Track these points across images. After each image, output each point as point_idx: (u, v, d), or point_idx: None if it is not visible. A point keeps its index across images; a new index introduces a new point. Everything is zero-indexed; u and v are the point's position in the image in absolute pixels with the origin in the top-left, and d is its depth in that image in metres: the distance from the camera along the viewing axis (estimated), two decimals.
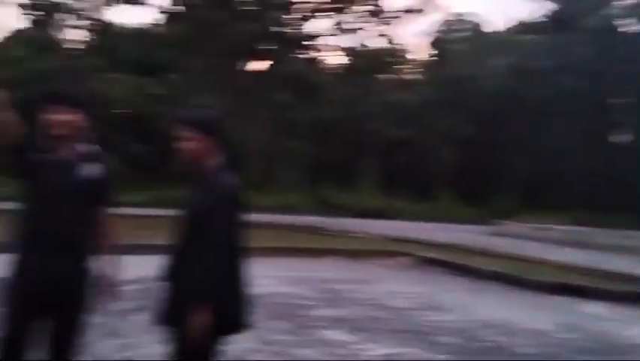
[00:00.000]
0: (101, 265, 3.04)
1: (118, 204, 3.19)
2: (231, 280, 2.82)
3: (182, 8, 21.41)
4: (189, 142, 2.83)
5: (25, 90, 32.37)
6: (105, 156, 3.13)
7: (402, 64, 39.30)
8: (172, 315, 2.84)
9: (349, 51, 23.90)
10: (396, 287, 9.30)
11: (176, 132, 2.86)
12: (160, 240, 11.95)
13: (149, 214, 16.63)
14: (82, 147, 2.99)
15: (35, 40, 33.58)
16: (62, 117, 2.87)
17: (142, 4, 21.19)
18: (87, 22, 23.42)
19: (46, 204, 2.86)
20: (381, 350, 5.49)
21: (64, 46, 23.92)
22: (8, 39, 35.42)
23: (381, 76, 35.83)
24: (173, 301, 2.86)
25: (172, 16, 22.26)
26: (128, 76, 33.48)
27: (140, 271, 8.54)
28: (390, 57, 33.02)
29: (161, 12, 22.12)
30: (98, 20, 23.41)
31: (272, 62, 23.79)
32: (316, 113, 27.69)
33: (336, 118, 33.06)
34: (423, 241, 15.38)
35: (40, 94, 2.95)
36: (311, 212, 30.62)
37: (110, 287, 3.06)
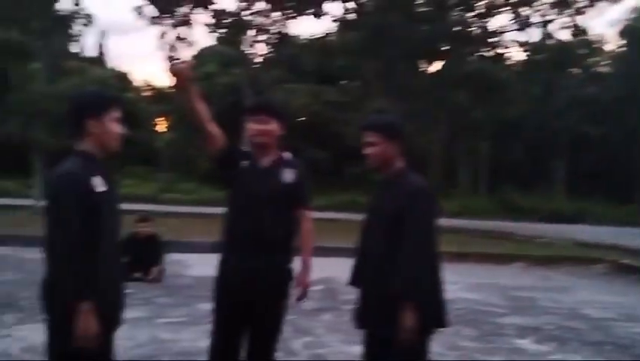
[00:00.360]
0: (296, 266, 3.14)
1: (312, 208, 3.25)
2: (434, 280, 2.82)
3: (355, 15, 21.73)
4: (375, 147, 2.89)
5: (215, 104, 35.11)
6: (299, 161, 3.29)
7: (591, 56, 36.38)
8: (369, 317, 2.87)
9: (533, 45, 22.58)
10: (591, 296, 8.56)
11: (363, 138, 2.93)
12: (341, 242, 12.35)
13: (329, 218, 17.13)
14: (279, 154, 3.18)
15: (222, 56, 36.27)
16: (263, 127, 3.07)
17: (320, 15, 21.86)
18: (268, 36, 24.68)
19: (248, 208, 3.02)
20: None
21: (249, 59, 25.46)
22: (198, 56, 38.68)
23: (569, 70, 33.41)
24: (369, 304, 2.88)
25: (345, 24, 22.70)
26: (307, 85, 34.94)
27: (324, 272, 8.85)
28: (578, 50, 30.78)
29: (335, 21, 22.63)
30: (279, 33, 24.58)
31: (449, 62, 23.24)
32: (497, 112, 26.57)
33: (519, 117, 31.48)
34: (619, 247, 14.07)
35: (245, 106, 3.17)
36: (494, 216, 29.54)
37: (303, 287, 3.16)
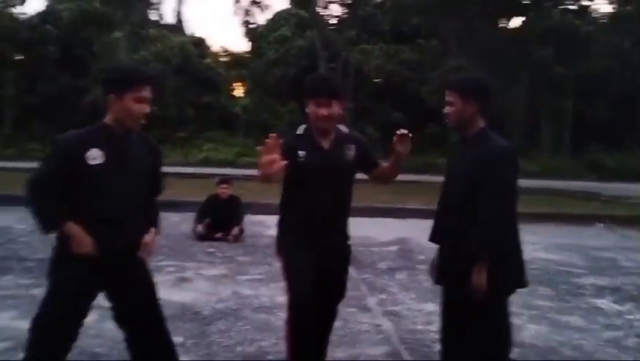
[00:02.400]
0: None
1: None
2: (512, 242, 2.82)
3: None
4: (452, 106, 2.87)
5: (290, 67, 35.18)
6: (355, 133, 3.37)
7: None
8: (447, 276, 2.92)
9: None
10: None
11: (445, 98, 2.91)
12: (418, 204, 12.34)
13: (406, 180, 17.03)
14: (338, 130, 3.21)
15: (296, 19, 36.23)
16: (327, 111, 3.07)
17: None
18: None
19: (313, 185, 3.11)
20: None
21: (323, 21, 25.36)
22: (273, 20, 38.82)
23: None
24: (447, 263, 2.92)
25: None
26: (382, 45, 34.45)
27: (400, 233, 8.96)
28: None
29: None
30: None
31: (530, 17, 22.30)
32: (582, 68, 25.36)
33: (605, 72, 29.90)
34: None
35: (306, 89, 3.16)
36: (579, 176, 28.50)
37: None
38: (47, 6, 36.83)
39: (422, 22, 26.00)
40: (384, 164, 3.29)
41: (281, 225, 3.31)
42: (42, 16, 34.80)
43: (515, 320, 4.56)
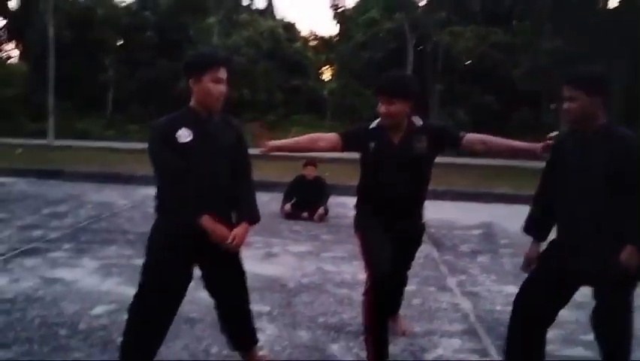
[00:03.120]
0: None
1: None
2: None
3: None
4: (575, 102, 2.81)
5: (378, 50, 34.96)
6: (429, 123, 3.50)
7: None
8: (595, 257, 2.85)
9: None
10: None
11: (563, 93, 2.86)
12: (505, 189, 12.19)
13: (495, 164, 16.82)
14: (410, 123, 3.36)
15: (385, 1, 35.93)
16: (388, 108, 3.26)
17: None
18: None
19: (385, 177, 3.36)
20: None
21: (412, 3, 25.09)
22: (361, 3, 38.71)
23: None
24: (587, 258, 2.85)
25: None
26: (473, 26, 33.65)
27: (484, 217, 8.95)
28: None
29: None
30: None
31: None
32: None
33: None
34: None
35: (376, 86, 3.36)
36: None
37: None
38: None
39: (514, 2, 25.13)
40: (498, 140, 3.39)
41: (358, 207, 3.58)
42: (141, 3, 36.45)
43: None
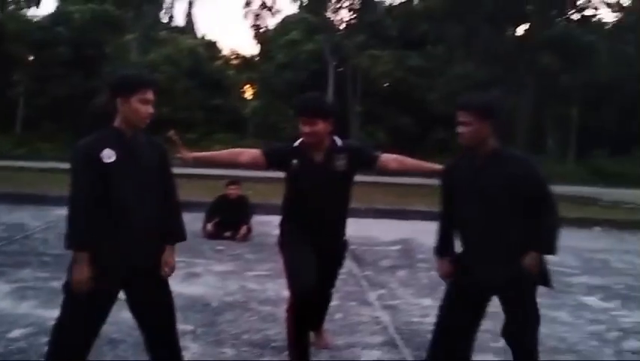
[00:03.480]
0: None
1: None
2: None
3: None
4: (468, 127, 2.98)
5: (299, 71, 35.45)
6: (348, 142, 3.71)
7: None
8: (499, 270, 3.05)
9: (622, 7, 21.63)
10: None
11: (457, 117, 3.04)
12: (421, 206, 12.59)
13: (412, 183, 17.32)
14: (331, 143, 3.52)
15: (306, 23, 36.54)
16: (310, 128, 3.41)
17: None
18: (351, 2, 24.81)
19: (309, 200, 3.52)
20: (636, 318, 5.21)
21: (332, 26, 25.69)
22: (282, 24, 39.19)
23: None
24: (498, 267, 3.04)
25: None
26: (391, 51, 34.76)
27: (402, 233, 9.26)
28: None
29: None
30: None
31: (534, 25, 22.59)
32: (586, 76, 25.59)
33: (611, 80, 30.09)
34: None
35: (296, 106, 3.58)
36: (583, 182, 28.69)
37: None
38: (58, 7, 37.37)
39: (429, 28, 26.24)
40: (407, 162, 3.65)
41: (282, 224, 3.69)
42: (54, 18, 35.34)
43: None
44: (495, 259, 3.05)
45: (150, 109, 2.94)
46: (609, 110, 33.65)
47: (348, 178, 3.59)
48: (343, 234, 3.73)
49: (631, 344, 4.51)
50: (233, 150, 3.64)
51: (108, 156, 2.83)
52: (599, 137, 33.81)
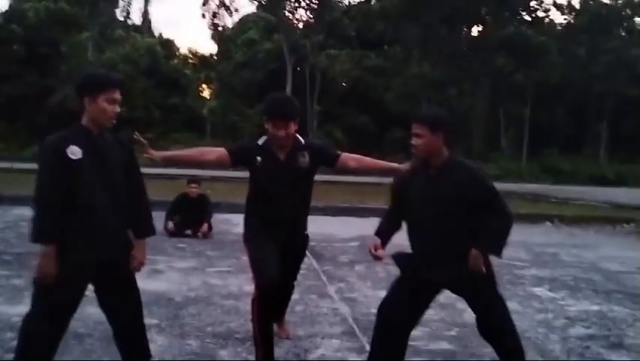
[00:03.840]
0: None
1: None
2: None
3: None
4: (421, 138, 3.18)
5: (257, 70, 35.42)
6: (309, 141, 3.86)
7: (635, 17, 35.35)
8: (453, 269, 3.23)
9: (573, 9, 22.41)
10: (613, 252, 8.95)
11: (412, 129, 3.21)
12: (377, 204, 12.87)
13: (369, 182, 17.64)
14: (297, 142, 3.68)
15: (264, 22, 36.57)
16: (283, 131, 3.54)
17: None
18: (309, 2, 25.00)
19: (273, 197, 3.66)
20: (581, 307, 5.52)
21: (290, 26, 25.83)
22: (240, 23, 39.14)
23: (612, 32, 32.62)
24: (450, 266, 3.23)
25: None
26: (348, 50, 35.09)
27: (360, 230, 9.47)
28: (622, 11, 30.04)
29: None
30: None
31: (488, 26, 23.20)
32: (539, 76, 26.38)
33: (562, 80, 31.07)
34: None
35: (265, 110, 3.68)
36: (536, 180, 29.58)
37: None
38: (11, 5, 36.50)
39: (386, 28, 26.62)
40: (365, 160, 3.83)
41: (246, 220, 3.83)
42: (6, 16, 34.52)
43: (459, 305, 5.13)
44: (447, 260, 3.23)
45: (117, 108, 3.04)
46: (560, 109, 34.73)
47: (310, 175, 3.75)
48: (305, 228, 3.89)
49: (576, 330, 4.79)
50: (199, 148, 3.75)
51: (74, 152, 2.91)
52: (550, 135, 34.85)
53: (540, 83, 29.92)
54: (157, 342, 3.93)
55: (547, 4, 21.91)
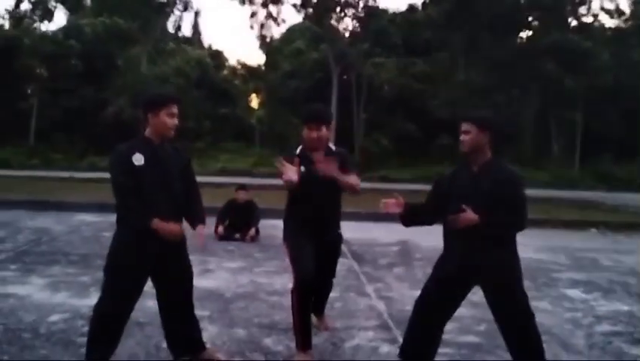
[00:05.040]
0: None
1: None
2: None
3: None
4: (469, 135, 3.52)
5: (304, 79, 35.86)
6: (341, 149, 4.34)
7: None
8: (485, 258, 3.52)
9: (623, 12, 22.18)
10: None
11: (460, 127, 3.56)
12: None
13: (414, 189, 17.84)
14: (330, 149, 4.18)
15: (311, 32, 37.13)
16: (316, 134, 4.03)
17: None
18: (355, 11, 25.42)
19: (313, 196, 4.07)
20: (611, 307, 5.71)
21: (336, 35, 26.29)
22: (287, 33, 39.85)
23: None
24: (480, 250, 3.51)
25: None
26: (394, 59, 35.31)
27: (400, 236, 9.79)
28: None
29: None
30: (365, 7, 25.27)
31: (535, 32, 23.13)
32: (588, 81, 26.07)
33: (613, 85, 30.47)
34: None
35: (301, 116, 4.18)
36: (590, 187, 29.10)
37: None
38: (68, 21, 38.24)
39: (432, 36, 26.80)
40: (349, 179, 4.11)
41: (285, 221, 4.28)
42: (66, 32, 36.19)
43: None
44: (479, 255, 3.51)
45: (175, 121, 3.60)
46: (614, 115, 33.99)
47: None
48: (338, 227, 4.29)
49: (602, 328, 5.02)
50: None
51: (138, 159, 3.47)
52: (603, 141, 34.16)
53: (591, 87, 29.45)
54: (208, 330, 4.38)
55: (594, 10, 21.71)
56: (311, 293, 4.06)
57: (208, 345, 3.97)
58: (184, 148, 3.82)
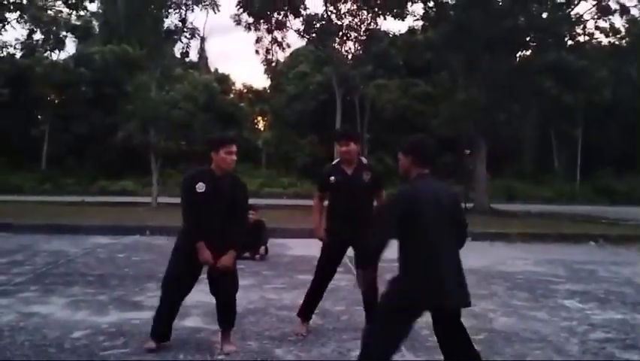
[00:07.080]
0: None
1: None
2: None
3: (439, 12, 22.61)
4: (400, 160, 3.79)
5: (309, 101, 36.20)
6: (371, 163, 5.33)
7: None
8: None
9: (619, 31, 22.58)
10: None
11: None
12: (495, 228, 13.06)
13: None
14: (359, 161, 5.05)
15: (314, 56, 37.69)
16: (347, 149, 4.96)
17: (403, 17, 23.25)
18: (357, 35, 25.92)
19: (346, 203, 4.96)
20: (606, 316, 5.97)
21: (339, 58, 26.74)
22: (292, 57, 40.43)
23: None
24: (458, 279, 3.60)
25: (429, 20, 23.59)
26: (396, 80, 35.79)
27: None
28: None
29: (419, 19, 23.76)
30: (367, 31, 25.78)
31: (532, 53, 23.58)
32: (585, 98, 26.40)
33: (611, 100, 30.82)
34: None
35: (335, 134, 5.26)
36: (591, 201, 29.27)
37: None
38: (78, 49, 38.97)
39: (431, 57, 27.23)
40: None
41: (327, 222, 5.11)
42: (76, 59, 36.90)
43: (490, 315, 5.70)
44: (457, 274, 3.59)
45: (234, 157, 4.51)
46: (613, 129, 34.28)
47: (370, 188, 5.01)
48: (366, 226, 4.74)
49: (596, 335, 5.28)
50: (315, 206, 5.26)
51: (200, 187, 4.39)
52: (603, 155, 34.39)
53: (590, 103, 29.77)
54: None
55: (589, 29, 22.12)
56: (324, 283, 5.20)
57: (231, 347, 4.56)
58: (240, 180, 4.68)
